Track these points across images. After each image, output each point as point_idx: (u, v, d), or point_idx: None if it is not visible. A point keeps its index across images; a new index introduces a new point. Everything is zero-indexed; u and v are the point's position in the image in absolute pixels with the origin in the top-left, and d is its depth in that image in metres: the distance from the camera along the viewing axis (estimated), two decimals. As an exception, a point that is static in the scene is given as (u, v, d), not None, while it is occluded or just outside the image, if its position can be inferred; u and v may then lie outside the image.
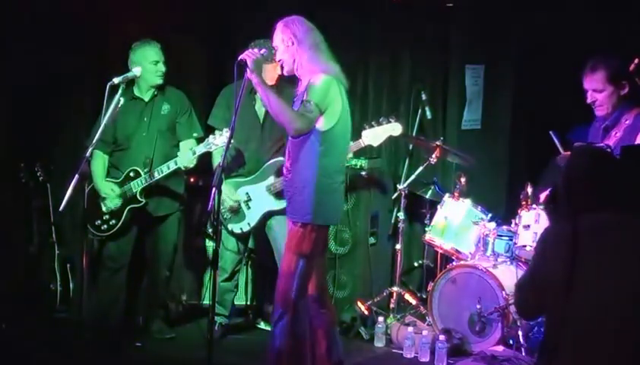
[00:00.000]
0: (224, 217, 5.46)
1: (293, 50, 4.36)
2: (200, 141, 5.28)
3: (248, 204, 5.46)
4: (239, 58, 4.23)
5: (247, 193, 5.46)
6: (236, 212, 5.46)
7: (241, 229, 5.50)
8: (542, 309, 3.15)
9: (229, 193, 5.41)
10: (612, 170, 3.06)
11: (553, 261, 2.97)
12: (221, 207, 5.32)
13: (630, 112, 4.18)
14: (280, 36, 4.42)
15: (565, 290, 2.88)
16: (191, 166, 5.28)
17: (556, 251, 2.97)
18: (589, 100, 4.27)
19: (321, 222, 4.33)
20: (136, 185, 5.28)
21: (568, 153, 4.96)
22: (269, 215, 5.48)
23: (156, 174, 5.25)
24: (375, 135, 5.25)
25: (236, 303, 5.88)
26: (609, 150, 3.24)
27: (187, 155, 5.21)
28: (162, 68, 5.34)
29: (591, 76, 4.22)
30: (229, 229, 5.50)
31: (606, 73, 4.17)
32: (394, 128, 5.21)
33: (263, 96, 4.32)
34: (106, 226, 5.34)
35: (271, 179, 5.40)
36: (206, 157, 5.40)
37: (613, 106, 4.21)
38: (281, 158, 5.43)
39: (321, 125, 4.25)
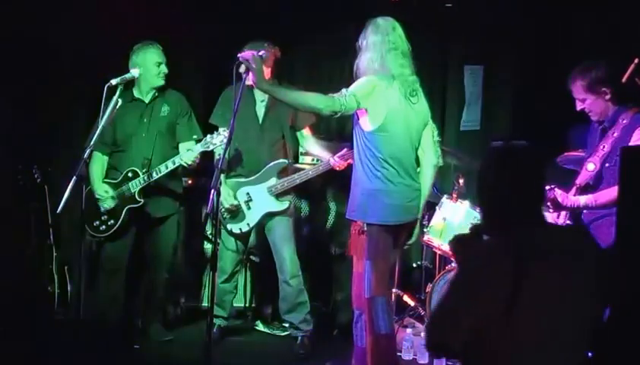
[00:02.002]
0: (224, 217, 5.45)
1: (360, 54, 4.42)
2: (199, 142, 5.26)
3: (248, 205, 5.45)
4: (239, 58, 4.22)
5: (247, 193, 5.45)
6: (236, 212, 5.45)
7: (240, 229, 5.48)
8: (460, 345, 2.63)
9: (227, 195, 5.39)
10: (542, 174, 2.70)
11: (490, 288, 2.53)
12: (220, 207, 5.32)
13: (628, 112, 4.18)
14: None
15: (506, 321, 2.50)
16: (190, 162, 5.24)
17: (493, 277, 2.53)
18: (577, 108, 4.29)
19: (370, 220, 4.33)
20: (134, 185, 5.26)
21: (571, 153, 4.98)
22: (269, 216, 5.47)
23: (154, 174, 5.23)
24: None
25: (234, 304, 5.86)
26: (534, 148, 2.87)
27: (185, 154, 5.20)
28: (164, 69, 5.34)
29: (572, 87, 4.26)
30: (229, 229, 5.49)
31: (582, 83, 4.20)
32: None
33: (275, 97, 4.39)
34: (104, 226, 5.33)
35: (273, 181, 5.40)
36: (204, 159, 5.39)
37: (602, 111, 4.22)
38: (283, 160, 5.42)
39: (366, 125, 4.31)
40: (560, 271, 2.58)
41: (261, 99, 5.42)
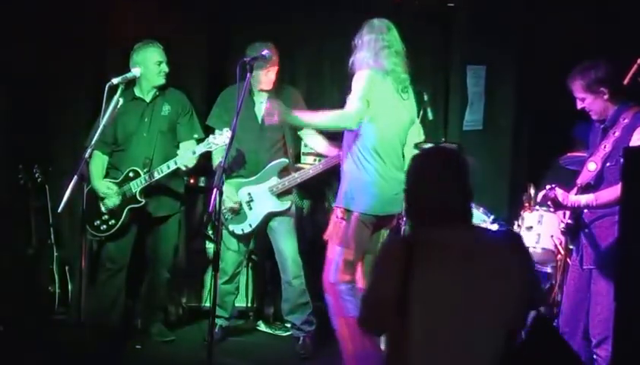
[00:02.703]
0: (225, 218, 5.43)
1: (355, 52, 4.57)
2: (200, 142, 5.25)
3: (250, 205, 5.43)
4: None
5: (249, 194, 5.43)
6: (237, 213, 5.43)
7: (242, 230, 5.47)
8: (382, 327, 2.84)
9: (230, 194, 5.38)
10: (456, 178, 2.73)
11: (385, 278, 2.68)
12: (223, 208, 5.31)
13: (629, 111, 4.16)
14: None
15: (400, 311, 2.60)
16: (191, 165, 5.25)
17: (388, 268, 2.68)
18: (578, 107, 4.29)
19: (354, 208, 4.44)
20: (135, 185, 5.25)
21: (574, 153, 4.96)
22: (271, 216, 5.45)
23: (155, 174, 5.22)
24: None
25: (236, 304, 5.84)
26: (459, 152, 2.94)
27: (187, 155, 5.19)
28: (165, 68, 5.32)
29: (572, 86, 4.26)
30: (231, 230, 5.48)
31: (582, 83, 4.19)
32: None
33: (304, 126, 4.67)
34: (105, 226, 5.31)
35: (274, 180, 5.38)
36: (206, 158, 5.37)
37: (602, 110, 4.21)
38: (284, 159, 5.41)
39: None
40: (460, 272, 2.62)
41: (260, 101, 5.41)
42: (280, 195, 5.38)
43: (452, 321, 2.60)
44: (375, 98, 4.37)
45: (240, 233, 5.48)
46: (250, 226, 5.46)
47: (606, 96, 4.14)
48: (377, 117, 4.39)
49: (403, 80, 4.52)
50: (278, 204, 5.39)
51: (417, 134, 4.67)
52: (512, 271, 2.64)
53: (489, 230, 2.66)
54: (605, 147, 4.15)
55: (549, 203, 4.23)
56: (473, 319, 2.60)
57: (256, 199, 5.41)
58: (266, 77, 5.32)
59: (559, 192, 4.14)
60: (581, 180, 4.23)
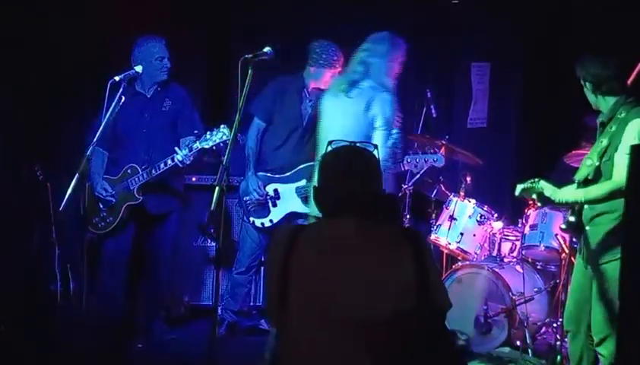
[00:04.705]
0: (249, 209, 5.48)
1: None
2: (199, 138, 5.20)
3: (274, 202, 5.43)
4: None
5: (275, 190, 5.46)
6: (262, 206, 5.48)
7: (262, 224, 5.50)
8: (273, 318, 2.84)
9: (259, 185, 5.45)
10: (351, 175, 2.78)
11: (270, 265, 2.80)
12: (246, 199, 5.45)
13: (626, 106, 4.13)
14: None
15: (280, 303, 2.65)
16: (188, 162, 5.18)
17: (272, 254, 2.81)
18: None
19: None
20: (133, 183, 5.21)
21: (579, 151, 4.93)
22: (293, 216, 5.46)
23: (153, 171, 5.18)
24: (417, 163, 5.18)
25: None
26: (364, 151, 2.95)
27: (184, 151, 5.13)
28: (167, 63, 5.29)
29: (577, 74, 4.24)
30: (251, 221, 5.51)
31: (580, 73, 4.17)
32: (437, 160, 5.14)
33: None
34: (103, 223, 5.28)
35: (303, 182, 5.40)
36: (209, 156, 5.35)
37: (595, 101, 4.19)
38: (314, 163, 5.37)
39: None
40: (335, 262, 2.64)
41: (309, 100, 5.42)
42: (307, 198, 5.34)
43: (325, 309, 2.60)
44: None
45: (260, 226, 5.51)
46: (271, 222, 5.49)
47: (600, 90, 4.11)
48: None
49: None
50: (302, 206, 5.37)
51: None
52: (395, 269, 2.61)
53: (388, 225, 2.65)
54: (602, 142, 4.11)
55: (533, 197, 4.14)
56: (344, 311, 2.59)
57: (282, 197, 5.43)
58: (331, 77, 5.31)
59: (546, 186, 4.04)
60: (579, 176, 4.18)
